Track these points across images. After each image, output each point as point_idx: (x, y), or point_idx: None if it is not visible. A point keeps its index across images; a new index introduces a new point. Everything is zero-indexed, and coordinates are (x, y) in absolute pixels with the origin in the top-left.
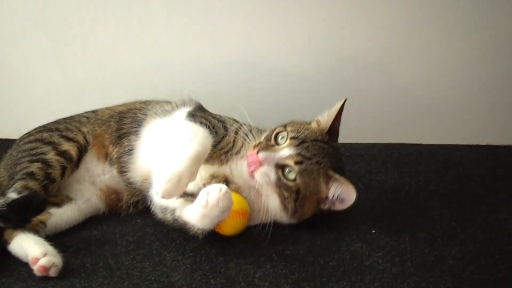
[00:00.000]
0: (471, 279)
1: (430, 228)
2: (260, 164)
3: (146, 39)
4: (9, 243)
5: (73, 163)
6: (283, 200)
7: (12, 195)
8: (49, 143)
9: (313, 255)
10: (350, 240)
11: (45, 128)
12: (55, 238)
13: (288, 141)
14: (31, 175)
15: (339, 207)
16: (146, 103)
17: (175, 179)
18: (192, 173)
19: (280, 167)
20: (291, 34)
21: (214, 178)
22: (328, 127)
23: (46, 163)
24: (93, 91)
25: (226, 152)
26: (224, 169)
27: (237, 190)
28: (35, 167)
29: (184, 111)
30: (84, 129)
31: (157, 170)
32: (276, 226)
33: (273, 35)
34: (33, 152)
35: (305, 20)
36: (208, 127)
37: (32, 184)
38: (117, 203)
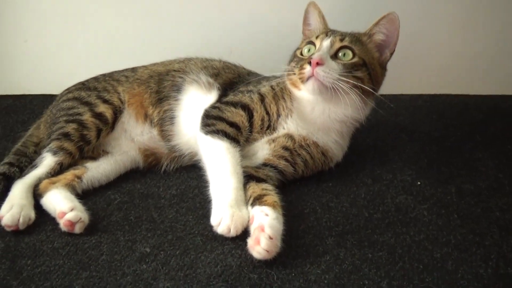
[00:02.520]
0: None
1: (476, 179)
2: (320, 63)
3: None
4: (42, 197)
5: (108, 125)
6: (360, 85)
7: (48, 155)
8: (86, 103)
9: (357, 207)
10: (395, 192)
11: (83, 85)
12: (97, 192)
13: (317, 40)
14: (66, 135)
15: (393, 30)
16: (184, 63)
17: (228, 218)
18: (238, 202)
19: (335, 56)
20: None
21: (277, 144)
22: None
23: (82, 124)
24: (131, 48)
25: (269, 123)
26: (282, 132)
27: (305, 140)
28: (70, 128)
29: (207, 108)
30: (120, 88)
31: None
32: (321, 178)
33: None
34: (70, 112)
35: None
36: (226, 135)
37: (67, 145)
38: (157, 160)
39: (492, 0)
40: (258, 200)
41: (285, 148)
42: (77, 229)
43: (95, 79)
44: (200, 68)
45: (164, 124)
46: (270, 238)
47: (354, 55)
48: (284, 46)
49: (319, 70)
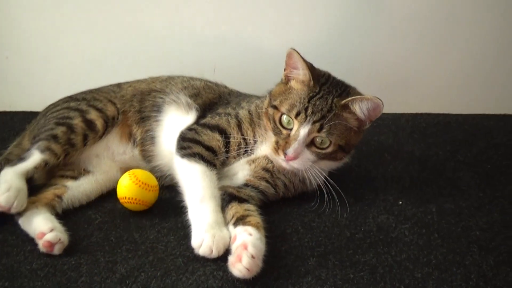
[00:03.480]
0: (498, 250)
1: (457, 199)
2: (295, 158)
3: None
4: (21, 216)
5: (96, 133)
6: (334, 158)
7: (36, 152)
8: (77, 110)
9: (339, 227)
10: (377, 211)
11: (71, 98)
12: (78, 211)
13: (296, 120)
14: (54, 137)
15: (376, 114)
16: (166, 82)
17: (209, 239)
18: (219, 223)
19: (311, 143)
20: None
21: (257, 165)
22: (311, 78)
23: (70, 127)
24: (116, 64)
25: (246, 149)
26: (260, 153)
27: (284, 171)
28: (59, 131)
29: (183, 130)
30: (116, 100)
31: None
32: (302, 198)
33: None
34: (60, 116)
35: None
36: (202, 158)
37: (55, 146)
38: None
39: (474, 20)
40: (241, 220)
41: (265, 169)
42: (56, 250)
43: (82, 92)
44: (180, 88)
45: (145, 144)
46: (253, 257)
47: (330, 143)
48: (268, 65)
49: (293, 163)
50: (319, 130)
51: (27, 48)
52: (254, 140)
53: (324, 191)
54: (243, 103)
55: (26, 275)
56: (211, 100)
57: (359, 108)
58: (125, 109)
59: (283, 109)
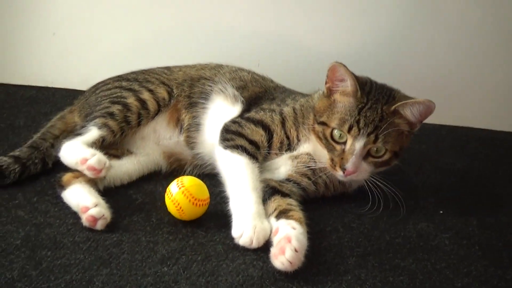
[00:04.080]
0: None
1: (498, 213)
2: (354, 172)
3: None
4: (64, 189)
5: (149, 113)
6: (388, 164)
7: (93, 128)
8: (130, 89)
9: (379, 230)
10: (417, 219)
11: (122, 78)
12: (119, 191)
13: (349, 135)
14: (111, 114)
15: (427, 115)
16: (214, 70)
17: (250, 230)
18: (260, 215)
19: (367, 154)
20: None
21: (299, 161)
22: (358, 89)
23: (126, 106)
24: (161, 48)
25: (288, 146)
26: (303, 150)
27: (324, 169)
28: (115, 108)
29: (227, 122)
30: (168, 83)
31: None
32: (341, 199)
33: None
34: (114, 95)
35: None
36: (245, 151)
37: (112, 123)
38: (180, 165)
39: None
40: (284, 214)
41: (307, 166)
42: (99, 225)
43: (133, 72)
44: (228, 79)
45: (190, 130)
46: (296, 250)
47: (386, 151)
48: (311, 63)
49: (351, 176)
50: (375, 141)
51: (73, 26)
52: (298, 139)
53: (372, 192)
54: (288, 100)
55: (68, 246)
56: (257, 93)
57: (410, 112)
58: (177, 93)
59: (333, 124)
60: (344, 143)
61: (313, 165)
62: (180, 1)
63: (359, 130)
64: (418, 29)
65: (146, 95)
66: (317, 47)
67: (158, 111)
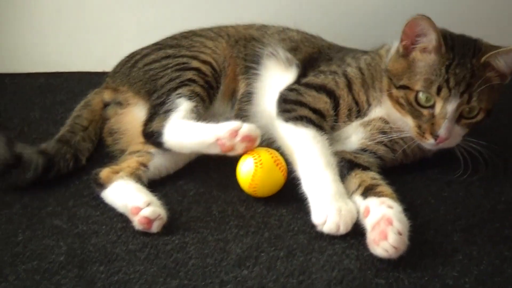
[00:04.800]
0: None
1: None
2: (448, 138)
3: None
4: (104, 188)
5: (220, 75)
6: (480, 124)
7: (182, 100)
8: (183, 56)
9: (475, 197)
10: None
11: (162, 45)
12: (166, 182)
13: (438, 97)
14: (192, 81)
15: None
16: (261, 31)
17: (334, 214)
18: (342, 195)
19: (459, 117)
20: None
21: (372, 127)
22: (441, 43)
23: (198, 70)
24: (181, 17)
25: (358, 113)
26: (375, 115)
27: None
28: (191, 74)
29: (283, 91)
30: (211, 44)
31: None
32: (421, 165)
33: None
34: (172, 64)
35: None
36: (311, 122)
37: (199, 89)
38: None
39: None
40: (371, 190)
41: (383, 132)
42: (155, 227)
43: (172, 38)
44: (277, 40)
45: (243, 101)
46: (399, 233)
47: (480, 110)
48: (359, 13)
49: (443, 144)
50: (469, 101)
51: (80, 1)
52: (369, 104)
53: (456, 153)
54: (348, 59)
55: (123, 257)
56: (311, 55)
57: (504, 62)
58: (233, 54)
59: (418, 86)
60: (432, 106)
61: (389, 130)
62: None
63: (450, 90)
64: None
65: (205, 57)
66: None
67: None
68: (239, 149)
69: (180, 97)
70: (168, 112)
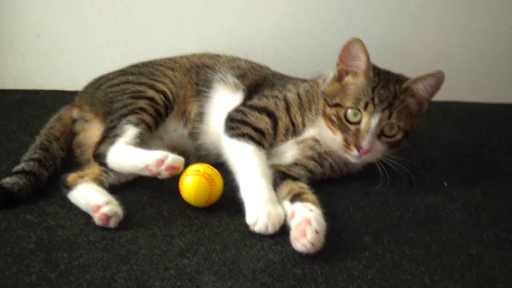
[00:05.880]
0: None
1: (499, 182)
2: (369, 151)
3: None
4: (71, 190)
5: (172, 104)
6: (398, 146)
7: (129, 126)
8: (141, 83)
9: (388, 206)
10: (423, 192)
11: (125, 72)
12: (125, 187)
13: (365, 112)
14: (142, 109)
15: (438, 89)
16: (214, 59)
17: (264, 216)
18: (272, 201)
19: (380, 134)
20: None
21: (305, 144)
22: (369, 67)
23: (151, 99)
24: (146, 45)
25: (294, 132)
26: (308, 135)
27: (330, 151)
28: (143, 103)
29: (230, 111)
30: (170, 73)
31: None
32: (346, 179)
33: None
34: (130, 90)
35: None
36: (252, 138)
37: (147, 118)
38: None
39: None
40: (298, 197)
41: (313, 149)
42: (112, 223)
43: (135, 66)
44: (227, 68)
45: (195, 121)
46: (316, 232)
47: (398, 129)
48: (301, 48)
49: (366, 156)
50: (389, 117)
51: (58, 27)
52: (303, 124)
53: (377, 169)
54: (289, 85)
55: (84, 246)
56: (256, 81)
57: (423, 87)
58: (186, 80)
59: (348, 103)
60: (358, 123)
61: (319, 148)
62: None
63: (374, 106)
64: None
65: (161, 86)
66: (307, 36)
67: (174, 101)
68: (164, 175)
69: (128, 123)
70: (115, 136)
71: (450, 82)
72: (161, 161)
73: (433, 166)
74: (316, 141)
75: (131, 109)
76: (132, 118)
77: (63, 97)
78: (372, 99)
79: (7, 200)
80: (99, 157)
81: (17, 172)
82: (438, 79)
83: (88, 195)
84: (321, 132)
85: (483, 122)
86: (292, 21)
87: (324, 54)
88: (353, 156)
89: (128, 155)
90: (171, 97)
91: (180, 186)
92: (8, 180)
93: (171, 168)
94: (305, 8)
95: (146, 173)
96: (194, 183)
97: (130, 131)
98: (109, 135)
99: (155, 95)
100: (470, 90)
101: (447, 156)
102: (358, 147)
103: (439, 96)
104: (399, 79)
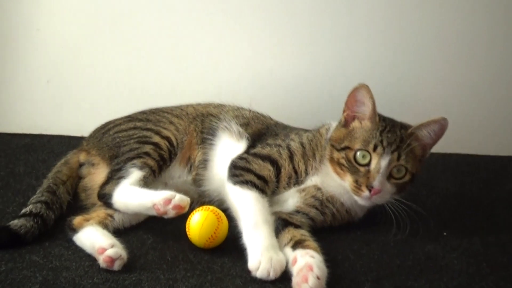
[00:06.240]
0: None
1: (498, 232)
2: (380, 191)
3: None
4: (76, 232)
5: (176, 150)
6: (404, 189)
7: (134, 169)
8: (148, 129)
9: (388, 255)
10: (423, 241)
11: (132, 118)
12: (129, 232)
13: (374, 154)
14: (147, 154)
15: (442, 135)
16: (218, 108)
17: (266, 262)
18: (274, 247)
19: (389, 176)
20: None
21: (307, 193)
22: (375, 112)
23: (156, 145)
24: (157, 93)
25: (296, 179)
26: (310, 183)
27: (332, 197)
28: (148, 148)
29: (234, 159)
30: (176, 120)
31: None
32: (347, 228)
33: None
34: (137, 136)
35: None
36: (255, 186)
37: (151, 162)
38: None
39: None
40: (299, 244)
41: (315, 197)
42: (117, 266)
43: (143, 112)
44: (232, 116)
45: (199, 167)
46: (318, 278)
47: (406, 172)
48: (304, 97)
49: (376, 197)
50: (398, 159)
51: (67, 74)
52: (306, 173)
53: (394, 214)
54: (291, 135)
55: None
56: (260, 130)
57: (427, 132)
58: (192, 127)
59: (357, 146)
60: (367, 164)
61: (321, 196)
62: (172, 44)
63: (384, 148)
64: (415, 59)
65: (166, 133)
66: (311, 85)
67: (178, 147)
68: (170, 215)
69: (133, 166)
70: (120, 178)
71: (449, 133)
72: (169, 200)
73: (432, 215)
74: (318, 189)
75: (136, 154)
76: (137, 162)
77: (69, 142)
78: (381, 141)
79: (14, 242)
80: (104, 197)
81: (24, 215)
82: (441, 125)
83: (94, 238)
84: (323, 180)
85: (481, 173)
86: (296, 70)
87: (327, 104)
88: (363, 197)
89: (134, 194)
90: (175, 143)
91: (187, 222)
92: (15, 223)
93: (178, 207)
94: (310, 58)
95: (152, 212)
96: (202, 216)
97: (135, 174)
98: (114, 177)
99: (160, 141)
100: (468, 142)
101: (446, 206)
102: (370, 187)
103: (437, 148)
104: (403, 125)
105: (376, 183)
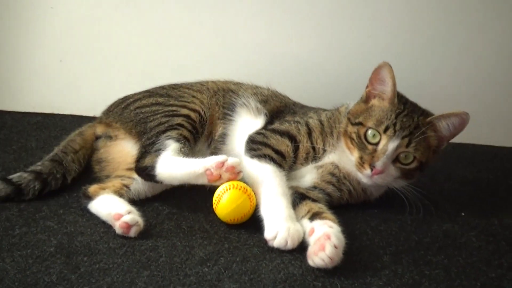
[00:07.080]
0: None
1: None
2: (382, 172)
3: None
4: (92, 200)
5: (205, 121)
6: (411, 176)
7: (170, 141)
8: (171, 105)
9: (406, 232)
10: (441, 221)
11: (152, 93)
12: (144, 203)
13: (384, 135)
14: (181, 125)
15: (461, 130)
16: (237, 85)
17: (284, 231)
18: (292, 218)
19: (395, 159)
20: None
21: (324, 169)
22: (395, 94)
23: (187, 117)
24: (172, 73)
25: (314, 156)
26: (328, 160)
27: (348, 175)
28: (180, 120)
29: (252, 134)
30: (198, 95)
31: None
32: (363, 206)
33: None
34: (161, 111)
35: None
36: (272, 160)
37: (186, 133)
38: None
39: None
40: (317, 215)
41: (332, 174)
42: (133, 232)
43: (161, 87)
44: (250, 93)
45: (218, 141)
46: (335, 247)
47: (414, 159)
48: (322, 80)
49: (378, 177)
50: (407, 145)
51: (79, 54)
52: (324, 150)
53: (395, 198)
54: (310, 113)
55: (104, 252)
56: (278, 108)
57: (446, 124)
58: (214, 101)
59: (370, 124)
60: (376, 144)
61: (338, 173)
62: (186, 23)
63: (395, 131)
64: (427, 48)
65: (193, 106)
66: (326, 65)
67: (206, 120)
68: (224, 179)
69: (169, 138)
70: (158, 150)
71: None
72: (221, 163)
73: (449, 199)
74: (336, 166)
75: (168, 126)
76: (172, 133)
77: (81, 122)
78: (394, 124)
79: None
80: (146, 169)
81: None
82: (462, 119)
83: (110, 205)
84: (341, 157)
85: (497, 163)
86: (314, 53)
87: (345, 88)
88: (365, 175)
89: (180, 164)
90: (204, 116)
91: (220, 193)
92: None
93: (231, 169)
94: (330, 41)
95: (202, 179)
96: (239, 198)
97: (173, 146)
98: (149, 150)
99: (189, 113)
100: (484, 134)
101: (463, 191)
102: (372, 166)
103: (454, 139)
104: (424, 112)
105: (379, 164)
